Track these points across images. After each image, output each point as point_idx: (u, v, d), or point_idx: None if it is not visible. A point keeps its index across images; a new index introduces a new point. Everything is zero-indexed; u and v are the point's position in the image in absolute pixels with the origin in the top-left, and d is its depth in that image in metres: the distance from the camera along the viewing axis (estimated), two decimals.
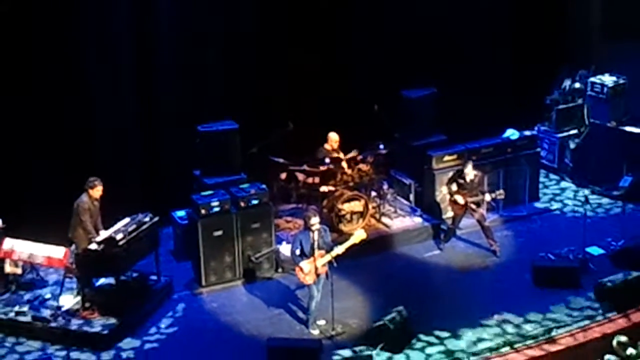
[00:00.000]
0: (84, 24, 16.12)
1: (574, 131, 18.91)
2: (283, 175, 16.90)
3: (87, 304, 14.19)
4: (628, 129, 18.13)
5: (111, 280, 14.45)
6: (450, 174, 16.51)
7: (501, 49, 19.52)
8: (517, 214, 17.49)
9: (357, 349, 13.52)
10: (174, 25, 16.87)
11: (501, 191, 16.21)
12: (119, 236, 14.03)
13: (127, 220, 14.50)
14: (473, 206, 16.03)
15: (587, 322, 14.24)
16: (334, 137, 16.84)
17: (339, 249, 13.88)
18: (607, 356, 12.60)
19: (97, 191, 14.38)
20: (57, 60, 15.87)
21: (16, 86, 15.60)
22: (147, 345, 13.91)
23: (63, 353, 13.67)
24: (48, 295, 14.71)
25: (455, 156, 17.06)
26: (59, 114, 16.00)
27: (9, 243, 14.58)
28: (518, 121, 18.42)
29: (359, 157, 16.81)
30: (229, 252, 15.37)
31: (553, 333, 13.95)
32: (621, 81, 18.41)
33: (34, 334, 14.00)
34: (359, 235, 14.10)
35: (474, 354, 13.48)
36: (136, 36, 16.56)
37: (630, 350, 12.53)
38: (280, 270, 15.77)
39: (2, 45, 15.40)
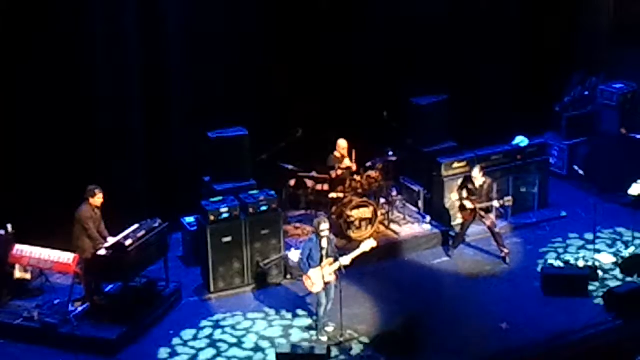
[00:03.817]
0: (91, 25, 16.10)
1: None
2: (292, 182, 16.91)
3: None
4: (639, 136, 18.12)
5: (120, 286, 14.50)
6: (460, 180, 16.50)
7: (511, 56, 19.49)
8: (527, 221, 17.46)
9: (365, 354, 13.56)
10: (184, 28, 16.87)
11: (509, 198, 16.18)
12: (128, 242, 14.06)
13: (136, 226, 14.53)
14: (482, 213, 16.01)
15: None
16: (342, 144, 16.84)
17: (348, 258, 13.88)
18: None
19: (98, 199, 14.30)
20: (63, 63, 15.86)
21: (21, 90, 15.66)
22: (157, 352, 13.95)
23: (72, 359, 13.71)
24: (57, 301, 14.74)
25: (464, 163, 17.03)
26: (68, 119, 16.01)
27: (18, 248, 14.64)
28: (527, 128, 18.39)
29: (368, 164, 16.83)
30: (238, 258, 15.38)
31: None
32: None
33: (43, 339, 14.00)
34: (369, 243, 14.08)
35: None
36: (145, 40, 16.56)
37: None
38: (289, 276, 15.77)
39: (4, 46, 15.42)
